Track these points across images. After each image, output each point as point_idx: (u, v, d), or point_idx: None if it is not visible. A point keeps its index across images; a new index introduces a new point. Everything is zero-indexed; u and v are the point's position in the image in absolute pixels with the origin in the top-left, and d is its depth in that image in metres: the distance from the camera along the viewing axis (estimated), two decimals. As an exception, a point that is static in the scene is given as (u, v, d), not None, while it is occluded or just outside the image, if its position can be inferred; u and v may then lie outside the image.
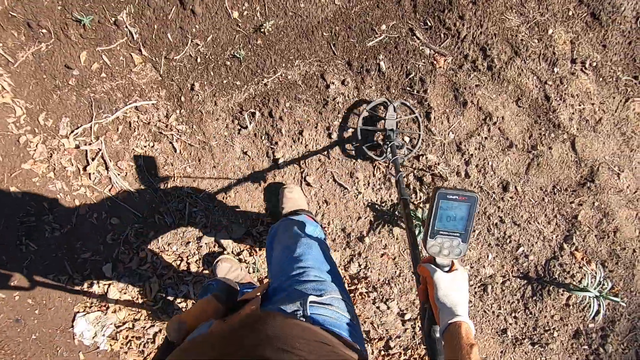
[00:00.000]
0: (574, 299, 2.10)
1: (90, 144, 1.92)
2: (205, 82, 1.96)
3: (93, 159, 1.92)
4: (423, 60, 2.00)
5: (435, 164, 2.03)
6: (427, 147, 2.03)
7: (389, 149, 1.73)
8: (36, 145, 1.89)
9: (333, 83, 1.98)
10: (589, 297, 2.01)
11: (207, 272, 2.00)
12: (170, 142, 1.96)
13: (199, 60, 1.94)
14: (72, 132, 1.91)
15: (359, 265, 2.07)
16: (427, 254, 0.89)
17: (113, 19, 1.89)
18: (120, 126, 1.94)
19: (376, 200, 2.05)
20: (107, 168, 1.92)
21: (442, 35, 2.00)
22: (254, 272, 2.03)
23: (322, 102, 1.98)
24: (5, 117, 1.88)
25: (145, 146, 1.95)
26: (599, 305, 2.02)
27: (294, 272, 1.08)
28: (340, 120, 2.00)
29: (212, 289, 1.03)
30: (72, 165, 1.92)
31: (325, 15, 1.97)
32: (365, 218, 2.05)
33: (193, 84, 1.95)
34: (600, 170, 2.09)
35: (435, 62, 2.00)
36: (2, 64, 1.88)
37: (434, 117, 2.01)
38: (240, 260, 2.01)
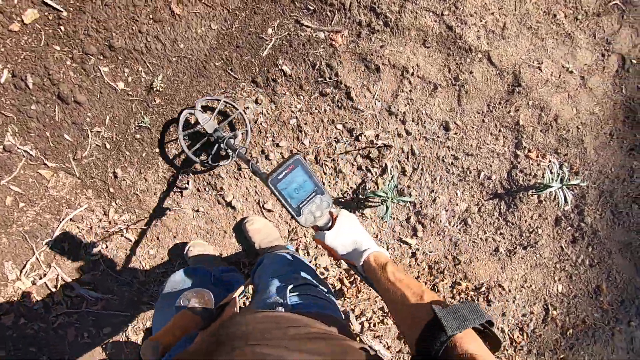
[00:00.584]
0: (544, 195, 2.24)
1: (45, 275, 1.84)
2: (126, 164, 1.87)
3: (56, 287, 1.86)
4: (322, 46, 1.94)
5: (375, 136, 2.05)
6: (362, 125, 2.03)
7: (226, 148, 1.65)
8: (-7, 301, 1.80)
9: (247, 107, 1.92)
10: (554, 190, 2.15)
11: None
12: (122, 235, 1.90)
13: (108, 146, 1.84)
14: (21, 272, 1.82)
15: (349, 257, 2.13)
16: (308, 226, 0.94)
17: (0, 147, 1.75)
18: (66, 243, 1.86)
19: (338, 195, 2.07)
20: (72, 288, 1.86)
21: (329, 13, 1.93)
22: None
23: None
24: (-54, 290, 1.78)
25: (99, 251, 1.89)
26: (565, 193, 2.16)
27: (272, 272, 1.16)
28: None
29: (184, 300, 0.98)
30: (37, 302, 1.85)
31: (209, 45, 1.86)
32: (336, 214, 2.08)
33: (115, 172, 1.86)
34: (522, 72, 2.15)
35: (334, 42, 1.95)
36: None
37: (355, 95, 1.99)
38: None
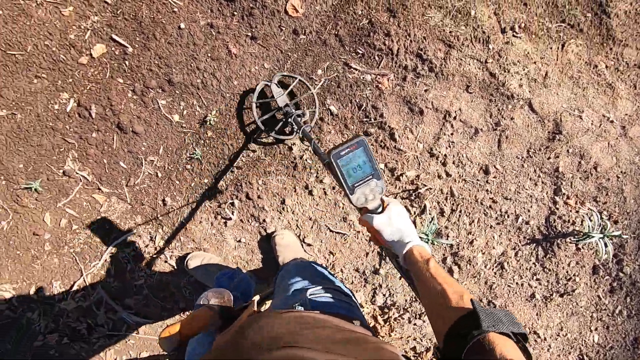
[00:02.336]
0: (582, 243, 2.22)
1: (90, 297, 1.90)
2: (175, 193, 1.94)
3: (98, 309, 1.91)
4: (369, 88, 2.01)
5: (416, 177, 2.08)
6: (403, 166, 2.07)
7: (293, 124, 1.72)
8: (39, 320, 1.86)
9: (294, 144, 1.99)
10: (595, 241, 2.12)
11: None
12: (166, 262, 1.95)
13: (159, 175, 1.92)
14: (68, 292, 1.88)
15: (384, 295, 2.13)
16: (358, 207, 0.95)
17: (61, 171, 1.84)
18: (112, 267, 1.92)
19: (376, 232, 2.10)
20: (115, 311, 1.91)
21: (377, 57, 2.01)
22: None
23: (291, 166, 1.99)
24: (-3, 306, 1.85)
25: (143, 275, 1.94)
26: (605, 244, 2.13)
27: (290, 282, 1.14)
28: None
29: (205, 299, 1.01)
30: (81, 323, 1.90)
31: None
32: (372, 252, 2.10)
33: (164, 199, 1.93)
34: (563, 120, 2.17)
35: (380, 85, 2.01)
36: (-29, 258, 1.82)
37: (398, 136, 2.04)
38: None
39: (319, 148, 1.29)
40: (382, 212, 0.93)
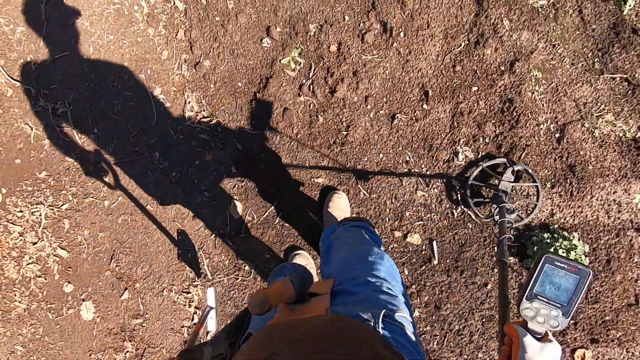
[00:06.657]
0: None
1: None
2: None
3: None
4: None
5: None
6: None
7: (497, 210, 1.67)
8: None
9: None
10: None
11: None
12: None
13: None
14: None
15: None
16: (520, 316, 0.82)
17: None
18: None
19: None
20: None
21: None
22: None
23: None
24: None
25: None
26: None
27: (367, 279, 1.04)
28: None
29: (287, 271, 0.96)
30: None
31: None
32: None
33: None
34: None
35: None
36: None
37: None
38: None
39: (505, 246, 1.27)
40: (539, 340, 0.79)
